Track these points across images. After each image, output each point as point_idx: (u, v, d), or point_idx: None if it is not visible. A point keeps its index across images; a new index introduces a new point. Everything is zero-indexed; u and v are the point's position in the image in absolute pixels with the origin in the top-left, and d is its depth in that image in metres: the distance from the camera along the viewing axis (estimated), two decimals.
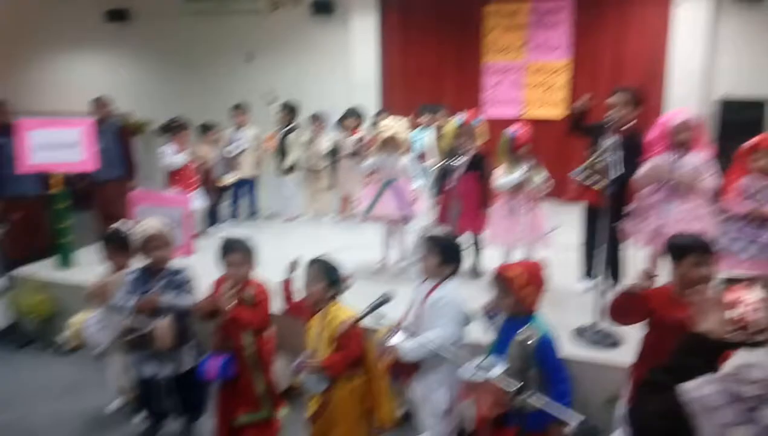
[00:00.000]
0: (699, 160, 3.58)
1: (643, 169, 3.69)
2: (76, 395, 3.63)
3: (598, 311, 3.23)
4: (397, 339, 2.67)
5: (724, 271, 3.58)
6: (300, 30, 8.13)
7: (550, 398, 2.19)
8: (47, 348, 4.25)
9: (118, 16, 8.97)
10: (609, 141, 3.40)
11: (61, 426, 3.32)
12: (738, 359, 1.20)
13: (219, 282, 2.89)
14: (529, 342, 2.03)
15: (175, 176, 5.29)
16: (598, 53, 6.94)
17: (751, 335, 1.21)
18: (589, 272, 4.06)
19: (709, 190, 3.61)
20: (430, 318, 2.66)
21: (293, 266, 2.83)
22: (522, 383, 1.84)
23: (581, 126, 3.99)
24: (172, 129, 5.34)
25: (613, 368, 2.92)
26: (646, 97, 6.48)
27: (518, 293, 2.45)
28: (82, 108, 5.99)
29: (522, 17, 7.17)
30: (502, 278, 2.48)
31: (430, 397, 2.73)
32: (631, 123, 3.82)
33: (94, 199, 5.78)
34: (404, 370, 2.73)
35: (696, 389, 1.07)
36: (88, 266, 4.46)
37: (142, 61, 9.21)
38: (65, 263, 4.58)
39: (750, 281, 1.29)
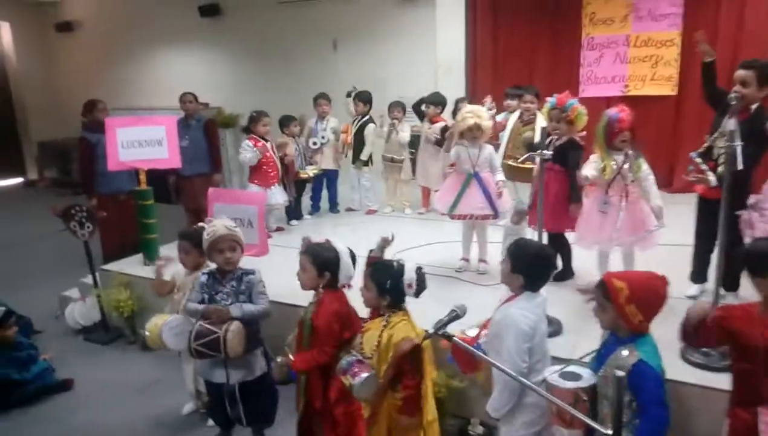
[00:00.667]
0: None
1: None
2: (153, 394, 3.69)
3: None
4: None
5: None
6: (386, 15, 7.88)
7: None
8: (132, 344, 4.38)
9: (210, 11, 9.18)
10: (731, 124, 2.86)
11: (138, 425, 3.37)
12: None
13: None
14: (621, 370, 1.70)
15: (256, 171, 5.27)
16: (716, 23, 6.07)
17: None
18: (700, 277, 3.53)
19: None
20: (492, 339, 2.40)
21: (384, 243, 2.63)
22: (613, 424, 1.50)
23: (714, 83, 3.41)
24: (251, 120, 5.32)
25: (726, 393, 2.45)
26: None
27: (620, 309, 2.10)
28: (175, 104, 6.14)
29: None
30: (606, 288, 2.14)
31: (501, 403, 2.44)
32: (757, 104, 3.22)
33: (182, 195, 5.92)
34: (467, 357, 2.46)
35: None
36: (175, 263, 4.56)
37: (233, 54, 9.39)
38: (151, 258, 4.69)
39: None
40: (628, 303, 2.08)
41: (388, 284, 2.37)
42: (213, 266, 3.01)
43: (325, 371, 2.65)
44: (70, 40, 10.94)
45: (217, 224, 2.92)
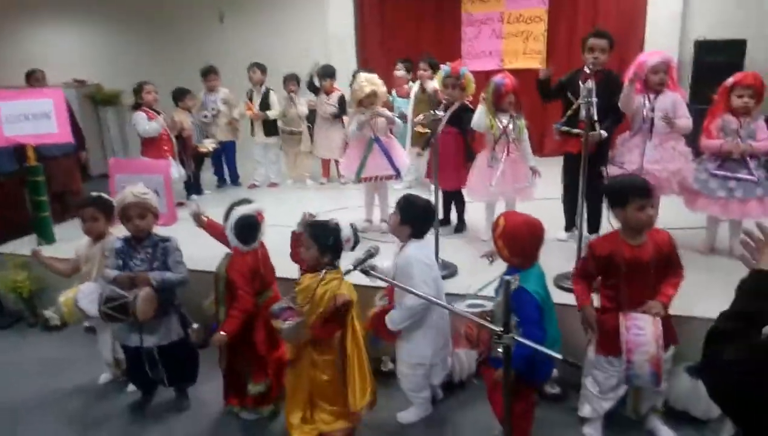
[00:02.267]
0: (673, 99, 3.61)
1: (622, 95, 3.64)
2: (65, 371, 3.61)
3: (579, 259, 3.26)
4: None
5: (699, 210, 3.66)
6: None
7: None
8: (34, 326, 4.22)
9: None
10: (589, 85, 3.39)
11: (53, 400, 3.31)
12: None
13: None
14: (509, 288, 2.05)
15: (149, 145, 5.19)
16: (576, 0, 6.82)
17: None
18: (570, 225, 4.10)
19: (684, 129, 3.63)
20: (401, 280, 2.65)
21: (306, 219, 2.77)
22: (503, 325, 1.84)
23: (550, 92, 3.99)
24: (135, 93, 5.19)
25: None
26: (624, 40, 6.49)
27: (494, 241, 2.51)
28: (54, 80, 5.80)
29: None
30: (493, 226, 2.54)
31: (409, 348, 2.77)
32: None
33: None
34: (382, 326, 2.76)
35: None
36: (67, 242, 4.41)
37: (112, 28, 8.89)
38: (46, 237, 4.51)
39: None
40: (499, 238, 2.47)
41: (331, 240, 2.56)
42: (117, 233, 3.06)
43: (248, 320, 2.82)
44: None
45: (126, 191, 2.93)
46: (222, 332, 2.73)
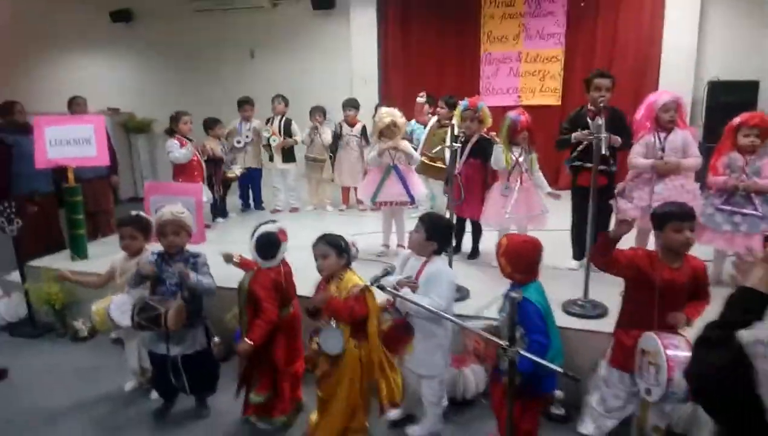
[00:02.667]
0: (683, 137, 3.76)
1: (636, 149, 3.87)
2: (93, 379, 3.78)
3: (586, 287, 3.43)
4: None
5: (705, 244, 3.77)
6: (302, 25, 8.29)
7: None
8: (63, 336, 4.43)
9: (122, 16, 9.14)
10: (600, 121, 3.57)
11: (81, 406, 3.47)
12: None
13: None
14: (514, 302, 2.20)
15: (181, 170, 5.47)
16: (592, 40, 7.09)
17: None
18: (579, 254, 4.23)
19: (693, 168, 3.77)
20: (425, 290, 2.79)
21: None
22: (508, 338, 1.98)
23: (564, 140, 4.11)
24: (172, 121, 5.49)
25: (600, 335, 3.09)
26: (639, 80, 6.70)
27: (498, 259, 2.68)
28: (89, 108, 6.15)
29: (518, 6, 7.31)
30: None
31: (427, 361, 2.88)
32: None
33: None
34: (398, 340, 2.88)
35: (753, 333, 1.16)
36: (99, 258, 4.67)
37: (146, 60, 9.38)
38: (79, 253, 4.76)
39: None
40: (502, 256, 2.65)
41: (343, 244, 2.83)
42: (152, 249, 3.27)
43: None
44: None
45: (164, 210, 3.15)
46: (248, 340, 2.89)
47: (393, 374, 2.89)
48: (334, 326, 2.75)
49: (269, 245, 3.00)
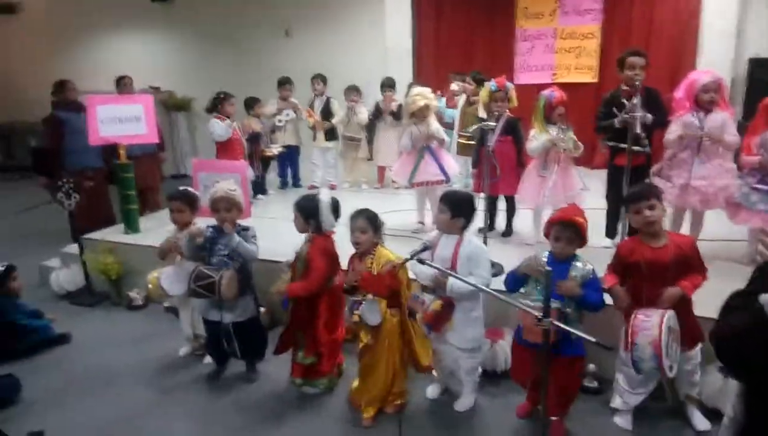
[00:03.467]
0: (723, 118, 3.76)
1: (673, 128, 3.89)
2: (148, 344, 4.04)
3: None
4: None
5: (741, 223, 3.81)
6: (336, 3, 8.36)
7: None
8: (118, 305, 4.72)
9: None
10: (635, 100, 3.61)
11: (138, 368, 3.73)
12: None
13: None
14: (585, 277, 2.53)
15: (223, 148, 5.67)
16: (629, 17, 6.99)
17: None
18: (612, 233, 4.30)
19: (733, 146, 3.78)
20: (468, 267, 2.91)
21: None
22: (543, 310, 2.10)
23: (605, 126, 4.07)
24: (218, 101, 5.68)
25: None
26: (677, 58, 6.61)
27: (586, 235, 2.74)
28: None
29: None
30: (576, 224, 2.68)
31: (467, 335, 3.02)
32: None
33: None
34: (443, 318, 3.02)
35: None
36: (150, 232, 4.93)
37: (184, 39, 9.61)
38: (132, 227, 5.03)
39: None
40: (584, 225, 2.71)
41: (379, 222, 3.04)
42: (200, 224, 3.48)
43: (311, 301, 3.19)
44: (13, 22, 10.75)
45: (218, 186, 3.34)
46: (287, 289, 3.10)
47: (423, 341, 3.08)
48: (371, 299, 2.91)
49: (335, 209, 3.21)
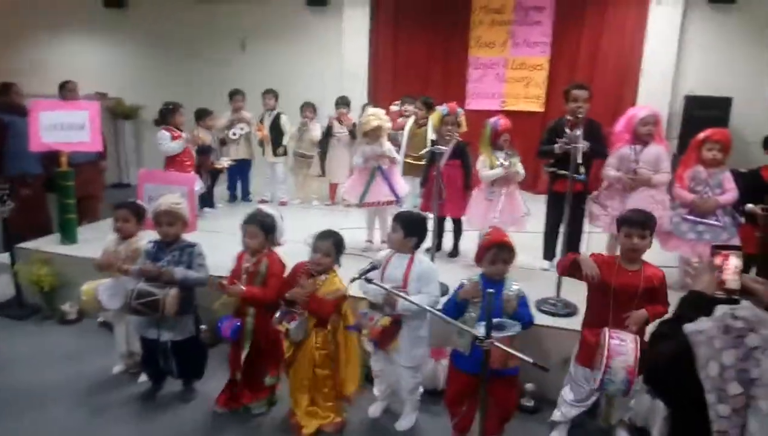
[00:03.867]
0: (658, 151, 3.99)
1: (611, 160, 4.09)
2: (80, 361, 3.86)
3: (558, 286, 3.64)
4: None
5: (671, 250, 4.01)
6: (294, 19, 8.36)
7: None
8: (50, 318, 4.49)
9: (114, 1, 9.15)
10: (577, 132, 3.77)
11: (68, 387, 3.54)
12: (721, 309, 1.43)
13: (238, 256, 3.20)
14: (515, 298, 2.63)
15: (172, 160, 5.54)
16: (576, 51, 7.32)
17: (729, 294, 1.54)
18: (550, 255, 4.45)
19: (661, 185, 4.01)
20: (418, 286, 2.96)
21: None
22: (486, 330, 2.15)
23: (546, 151, 4.24)
24: (168, 112, 5.56)
25: (570, 333, 3.30)
26: (619, 93, 6.96)
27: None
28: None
29: (507, 14, 7.49)
30: (510, 245, 2.79)
31: (412, 353, 3.05)
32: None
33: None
34: (387, 335, 3.04)
35: (696, 325, 1.33)
36: (88, 242, 4.74)
37: (137, 46, 9.39)
38: (69, 237, 4.84)
39: (734, 248, 1.60)
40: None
41: (341, 251, 3.03)
42: (146, 236, 3.40)
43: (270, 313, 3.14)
44: None
45: (163, 199, 3.25)
46: (243, 289, 3.03)
47: (354, 367, 3.07)
48: (305, 317, 2.93)
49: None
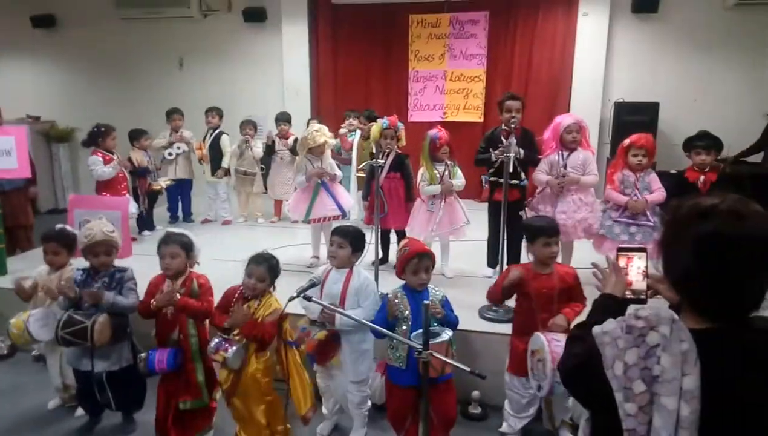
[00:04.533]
0: (584, 156, 4.15)
1: (542, 166, 4.24)
2: (14, 397, 3.69)
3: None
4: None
5: (605, 253, 4.16)
6: (232, 37, 8.27)
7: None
8: None
9: (44, 21, 8.83)
10: (512, 141, 3.88)
11: (3, 426, 3.38)
12: (630, 309, 1.46)
13: (155, 281, 3.09)
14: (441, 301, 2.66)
15: (104, 183, 5.36)
16: (510, 62, 7.54)
17: (636, 295, 1.58)
18: (493, 263, 4.53)
19: (592, 183, 4.16)
20: (356, 300, 2.97)
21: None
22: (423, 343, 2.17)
23: (482, 159, 4.37)
24: (99, 135, 5.38)
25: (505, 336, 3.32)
26: (553, 101, 7.21)
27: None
28: (7, 116, 5.92)
29: (443, 28, 7.65)
30: (429, 253, 2.84)
31: (355, 367, 3.05)
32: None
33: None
34: (328, 350, 3.04)
35: (602, 327, 1.35)
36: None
37: (69, 67, 9.08)
38: None
39: (638, 250, 1.62)
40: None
41: (278, 271, 2.95)
42: (75, 265, 3.27)
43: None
44: None
45: (95, 229, 3.12)
46: (177, 295, 2.94)
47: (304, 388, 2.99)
48: (243, 343, 2.85)
49: None
